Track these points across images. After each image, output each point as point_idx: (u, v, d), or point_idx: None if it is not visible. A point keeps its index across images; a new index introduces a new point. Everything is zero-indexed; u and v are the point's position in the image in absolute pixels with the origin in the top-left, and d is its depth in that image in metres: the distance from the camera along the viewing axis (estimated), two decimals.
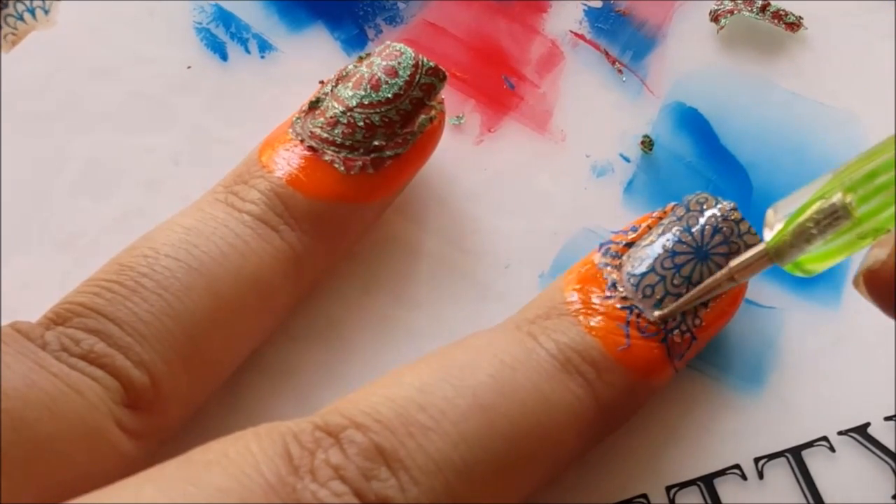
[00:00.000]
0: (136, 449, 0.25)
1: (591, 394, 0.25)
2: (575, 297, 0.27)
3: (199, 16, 0.34)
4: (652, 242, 0.27)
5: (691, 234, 0.27)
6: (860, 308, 0.30)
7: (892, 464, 0.28)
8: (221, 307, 0.26)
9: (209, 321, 0.26)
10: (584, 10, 0.34)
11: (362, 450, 0.22)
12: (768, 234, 0.24)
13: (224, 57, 0.34)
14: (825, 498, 0.28)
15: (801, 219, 0.23)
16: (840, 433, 0.29)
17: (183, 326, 0.25)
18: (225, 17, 0.34)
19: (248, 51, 0.34)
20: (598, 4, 0.34)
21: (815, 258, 0.24)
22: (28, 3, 0.22)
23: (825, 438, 0.29)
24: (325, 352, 0.30)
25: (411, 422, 0.23)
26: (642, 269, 0.27)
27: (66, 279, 0.30)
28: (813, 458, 0.28)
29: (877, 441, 0.28)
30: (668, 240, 0.27)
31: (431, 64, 0.29)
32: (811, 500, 0.28)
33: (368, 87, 0.28)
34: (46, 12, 0.22)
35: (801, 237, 0.23)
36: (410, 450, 0.22)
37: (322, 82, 0.30)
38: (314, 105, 0.29)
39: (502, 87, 0.33)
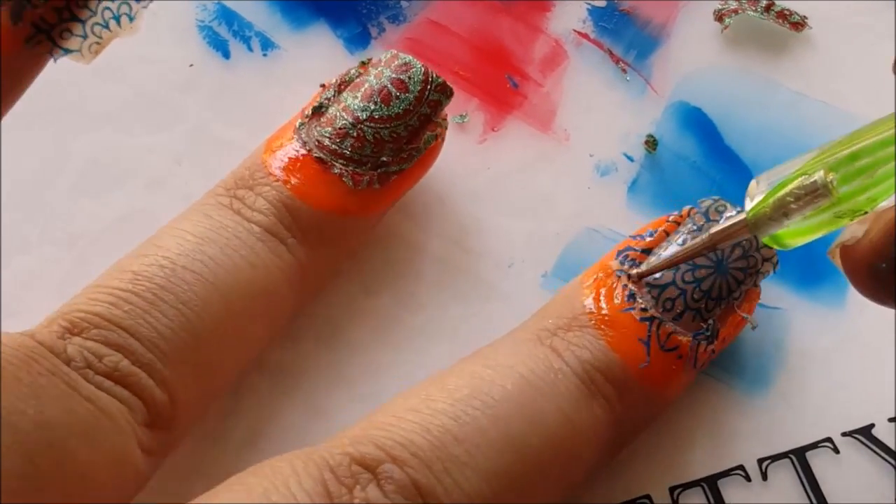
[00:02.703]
0: (149, 465, 0.24)
1: (611, 414, 0.26)
2: (594, 306, 0.27)
3: (202, 14, 0.34)
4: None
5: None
6: (865, 309, 0.30)
7: None
8: (233, 320, 0.26)
9: (220, 334, 0.26)
10: (588, 10, 0.34)
11: (400, 487, 0.22)
12: (749, 204, 0.24)
13: (226, 55, 0.33)
14: (829, 499, 0.28)
15: (782, 193, 0.23)
16: (844, 434, 0.29)
17: (198, 341, 0.25)
18: (227, 16, 0.34)
19: (250, 49, 0.33)
20: (602, 3, 0.34)
21: (792, 233, 0.24)
22: (115, 9, 0.22)
23: (829, 440, 0.28)
24: (327, 353, 0.30)
25: (447, 457, 0.23)
26: (663, 281, 0.27)
27: (67, 279, 0.30)
28: (817, 460, 0.28)
29: (881, 442, 0.28)
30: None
31: (440, 80, 0.29)
32: (815, 502, 0.28)
33: (378, 100, 0.28)
34: (132, 19, 0.22)
35: (779, 211, 0.23)
36: (447, 486, 0.23)
37: (324, 86, 0.30)
38: (318, 110, 0.29)
39: (506, 86, 0.33)
